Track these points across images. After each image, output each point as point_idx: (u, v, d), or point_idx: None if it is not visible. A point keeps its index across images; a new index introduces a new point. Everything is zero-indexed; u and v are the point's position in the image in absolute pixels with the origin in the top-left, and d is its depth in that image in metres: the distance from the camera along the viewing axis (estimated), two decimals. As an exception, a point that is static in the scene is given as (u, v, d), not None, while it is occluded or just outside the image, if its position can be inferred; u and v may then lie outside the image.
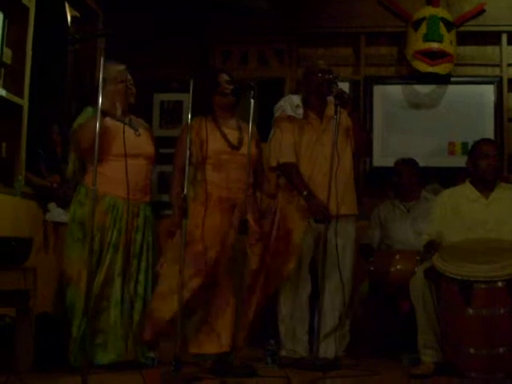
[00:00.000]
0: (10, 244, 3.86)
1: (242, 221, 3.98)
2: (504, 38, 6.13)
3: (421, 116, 6.23)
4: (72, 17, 5.90)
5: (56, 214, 4.82)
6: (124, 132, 4.01)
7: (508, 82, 6.09)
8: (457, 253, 4.11)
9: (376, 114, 6.25)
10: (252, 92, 4.05)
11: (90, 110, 4.26)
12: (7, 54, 4.78)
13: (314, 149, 4.50)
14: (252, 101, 4.04)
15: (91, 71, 5.84)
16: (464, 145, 5.99)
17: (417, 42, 6.05)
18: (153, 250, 4.35)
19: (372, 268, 4.88)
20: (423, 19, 6.04)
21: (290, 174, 4.50)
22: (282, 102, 4.65)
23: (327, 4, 6.30)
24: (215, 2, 6.15)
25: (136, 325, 4.17)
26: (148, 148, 4.42)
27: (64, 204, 4.84)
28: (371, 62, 6.34)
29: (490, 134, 5.95)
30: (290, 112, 4.54)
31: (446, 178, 5.67)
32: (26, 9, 4.85)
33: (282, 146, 4.51)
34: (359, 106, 6.11)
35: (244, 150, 4.24)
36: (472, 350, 3.87)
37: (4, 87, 4.70)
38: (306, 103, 4.60)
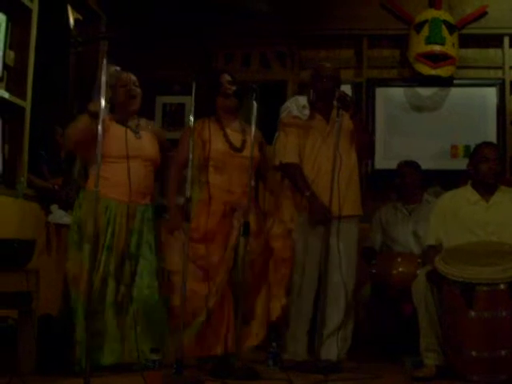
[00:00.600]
0: (13, 246, 3.86)
1: (244, 223, 3.98)
2: (506, 40, 6.14)
3: (423, 119, 6.24)
4: (75, 19, 5.91)
5: (58, 215, 4.82)
6: (124, 134, 4.05)
7: (510, 84, 6.11)
8: (459, 255, 4.11)
9: (378, 117, 6.26)
10: (254, 94, 4.05)
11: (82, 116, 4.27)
12: (10, 56, 4.79)
13: (319, 151, 4.51)
14: (254, 103, 4.05)
15: (94, 73, 5.84)
16: (466, 147, 6.00)
17: (419, 44, 6.06)
18: (153, 253, 4.34)
19: (374, 271, 4.88)
20: (425, 22, 6.05)
21: (292, 174, 4.51)
22: (288, 103, 4.68)
23: (329, 7, 6.31)
24: (217, 5, 6.15)
25: (132, 327, 4.16)
26: (149, 150, 4.40)
27: (66, 206, 4.84)
28: (373, 64, 6.36)
29: (492, 136, 5.96)
30: (296, 112, 4.55)
31: (448, 180, 5.66)
32: (29, 11, 4.86)
33: (287, 147, 4.52)
34: (361, 109, 6.11)
35: (246, 152, 4.25)
36: (474, 353, 3.86)
37: (7, 89, 4.70)
38: (312, 105, 4.61)
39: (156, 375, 3.61)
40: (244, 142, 4.35)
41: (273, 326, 4.39)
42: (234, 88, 4.36)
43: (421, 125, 6.21)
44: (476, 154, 4.48)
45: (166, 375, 3.67)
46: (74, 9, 5.90)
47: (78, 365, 3.99)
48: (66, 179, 5.07)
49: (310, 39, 6.38)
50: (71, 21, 5.92)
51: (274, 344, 4.39)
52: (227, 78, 4.43)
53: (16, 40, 4.82)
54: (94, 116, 3.90)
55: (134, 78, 4.43)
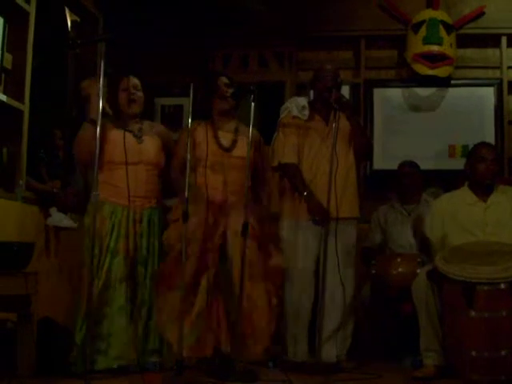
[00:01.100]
0: (12, 249, 3.86)
1: (243, 224, 3.97)
2: (504, 40, 6.14)
3: (421, 119, 6.24)
4: (72, 21, 5.90)
5: (57, 218, 4.82)
6: (124, 139, 4.08)
7: (508, 84, 6.11)
8: (459, 255, 4.10)
9: (376, 117, 6.26)
10: (252, 96, 4.05)
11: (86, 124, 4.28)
12: (8, 59, 4.78)
13: (318, 152, 4.51)
14: (252, 104, 4.05)
15: (92, 76, 5.84)
16: (464, 147, 6.00)
17: (417, 44, 6.07)
18: (159, 256, 4.34)
19: (373, 271, 4.88)
20: (423, 22, 6.05)
21: (290, 174, 4.51)
22: (287, 103, 4.69)
23: (327, 7, 6.31)
24: (215, 6, 6.16)
25: (141, 330, 4.17)
26: (151, 155, 4.40)
27: (65, 208, 4.84)
28: (371, 65, 6.36)
29: (490, 136, 5.96)
30: (295, 112, 4.56)
31: (447, 180, 5.66)
32: (26, 13, 4.85)
33: (285, 147, 4.52)
34: (359, 111, 6.12)
35: (238, 152, 4.28)
36: (474, 353, 3.85)
37: (5, 92, 4.70)
38: (312, 106, 4.61)
39: (155, 377, 3.61)
40: (235, 141, 4.36)
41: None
42: (231, 90, 4.37)
43: (419, 125, 6.21)
44: (473, 154, 4.48)
45: (166, 377, 3.67)
46: (71, 11, 5.89)
47: (75, 367, 4.00)
48: (65, 182, 5.07)
49: (307, 40, 6.38)
50: (69, 23, 5.91)
51: (274, 345, 4.38)
52: (224, 80, 4.44)
53: (13, 43, 4.80)
54: (93, 123, 3.92)
55: (135, 81, 4.43)
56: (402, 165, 5.45)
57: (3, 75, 4.75)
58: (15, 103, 4.72)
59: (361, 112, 6.18)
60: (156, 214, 4.39)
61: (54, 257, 4.81)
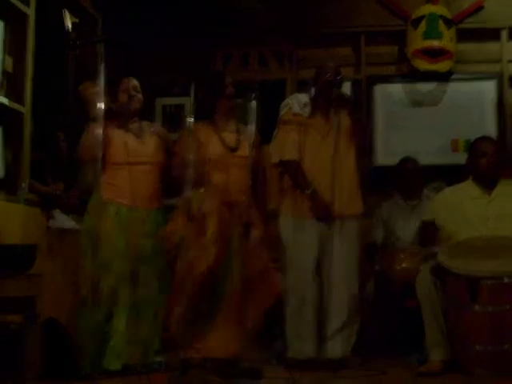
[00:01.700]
0: (15, 251, 3.87)
1: (244, 224, 3.97)
2: (504, 34, 6.14)
3: (422, 114, 6.24)
4: (72, 23, 5.90)
5: (60, 220, 4.83)
6: (126, 139, 4.09)
7: (509, 78, 6.10)
8: (463, 249, 4.11)
9: (378, 113, 6.26)
10: (253, 94, 4.06)
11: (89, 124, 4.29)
12: (8, 61, 4.79)
13: (319, 149, 4.50)
14: (253, 103, 4.05)
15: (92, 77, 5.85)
16: (467, 142, 5.98)
17: (416, 40, 6.07)
18: (162, 257, 4.34)
19: (377, 267, 4.88)
20: (422, 17, 6.06)
21: (292, 171, 4.51)
22: (288, 100, 4.67)
23: (326, 5, 6.31)
24: (215, 5, 6.16)
25: (146, 330, 4.18)
26: (153, 154, 4.41)
27: (68, 210, 4.85)
28: (372, 61, 6.35)
29: (492, 130, 5.97)
30: (296, 109, 4.55)
31: (450, 175, 5.66)
32: (26, 16, 4.85)
33: (286, 144, 4.52)
34: (360, 107, 6.12)
35: (242, 152, 4.27)
36: (478, 347, 3.86)
37: (6, 95, 4.70)
38: (313, 103, 4.61)
39: (161, 377, 3.62)
40: (238, 141, 4.36)
41: (277, 323, 4.39)
42: (234, 90, 4.39)
43: (420, 120, 6.21)
44: (473, 149, 4.49)
45: (171, 376, 3.67)
46: (70, 12, 5.89)
47: (80, 368, 4.01)
48: (68, 184, 5.08)
49: (307, 38, 6.38)
50: (69, 24, 5.90)
51: (278, 342, 4.39)
52: (230, 80, 4.45)
53: (13, 45, 4.81)
54: (95, 122, 3.93)
55: (134, 82, 4.45)
56: (402, 161, 5.46)
57: (4, 78, 4.75)
58: (16, 106, 4.73)
59: (363, 108, 6.18)
60: (160, 215, 4.39)
61: (57, 258, 4.81)
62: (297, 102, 4.59)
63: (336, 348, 4.40)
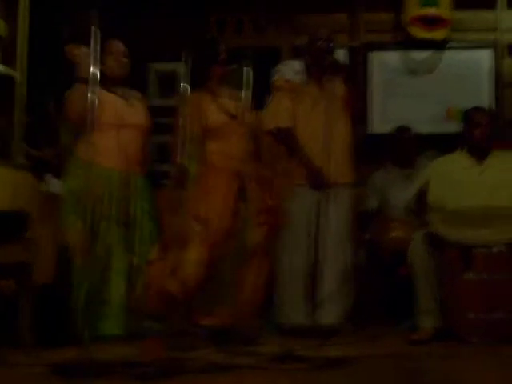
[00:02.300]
0: (8, 217, 3.86)
1: (241, 189, 3.96)
2: (500, 2, 6.10)
3: (418, 82, 6.23)
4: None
5: (52, 185, 4.81)
6: (115, 102, 4.04)
7: (504, 46, 6.07)
8: (456, 218, 4.13)
9: (373, 81, 6.23)
10: (247, 61, 4.03)
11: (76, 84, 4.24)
12: (1, 25, 4.74)
13: (311, 117, 4.49)
14: (248, 69, 4.02)
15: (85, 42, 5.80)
16: (461, 111, 5.96)
17: (413, 7, 6.04)
18: (151, 221, 4.33)
19: (367, 236, 4.90)
20: (420, -16, 6.01)
21: (286, 138, 4.49)
22: (280, 66, 4.65)
23: (322, -30, 6.26)
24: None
25: (138, 296, 4.19)
26: (141, 118, 4.39)
27: (60, 175, 4.83)
28: (368, 28, 6.31)
29: (487, 99, 5.95)
30: (288, 76, 4.52)
31: (444, 144, 5.65)
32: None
33: (279, 111, 4.50)
34: (355, 74, 6.08)
35: (242, 119, 4.23)
36: (471, 315, 3.89)
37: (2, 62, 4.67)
38: (307, 70, 4.58)
39: (155, 341, 3.62)
40: (238, 108, 4.33)
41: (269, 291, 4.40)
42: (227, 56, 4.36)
43: (416, 88, 6.20)
44: (467, 119, 4.49)
45: (167, 341, 3.68)
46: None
47: (79, 335, 4.01)
48: (59, 149, 5.05)
49: (303, 4, 6.32)
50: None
51: (270, 309, 4.40)
52: (223, 46, 4.42)
53: (5, 9, 4.76)
54: (83, 82, 3.88)
55: (122, 48, 4.40)
56: (397, 130, 5.44)
57: (-2, 43, 4.72)
58: (9, 70, 4.69)
59: (358, 76, 6.15)
60: (142, 181, 4.35)
61: (50, 223, 4.80)
62: (289, 69, 4.57)
63: (329, 314, 4.41)
